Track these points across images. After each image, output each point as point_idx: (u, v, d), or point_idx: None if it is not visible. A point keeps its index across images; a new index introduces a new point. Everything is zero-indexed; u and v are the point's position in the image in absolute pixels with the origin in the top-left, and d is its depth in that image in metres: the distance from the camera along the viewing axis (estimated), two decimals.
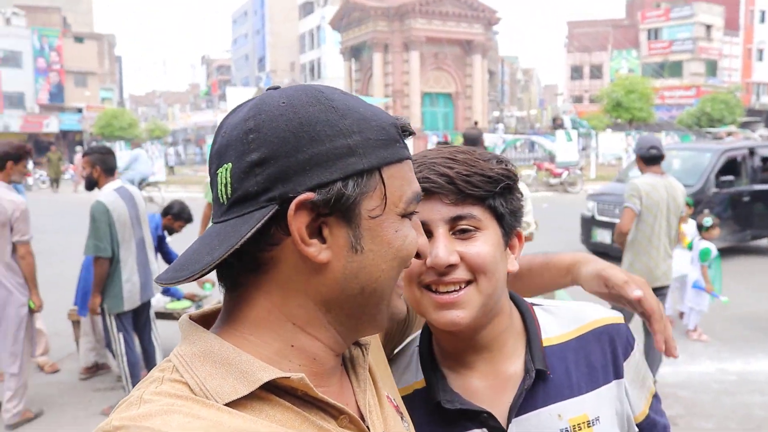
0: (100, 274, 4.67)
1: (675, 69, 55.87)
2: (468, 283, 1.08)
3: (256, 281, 0.82)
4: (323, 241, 0.80)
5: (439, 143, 5.76)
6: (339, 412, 0.83)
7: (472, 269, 1.08)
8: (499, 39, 68.00)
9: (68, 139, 48.49)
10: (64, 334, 6.72)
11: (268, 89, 0.86)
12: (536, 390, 1.13)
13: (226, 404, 0.75)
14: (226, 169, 0.80)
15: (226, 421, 0.73)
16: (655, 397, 1.25)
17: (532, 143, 29.84)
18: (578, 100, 62.59)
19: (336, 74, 54.65)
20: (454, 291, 1.08)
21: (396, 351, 1.29)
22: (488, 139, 24.34)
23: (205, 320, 0.89)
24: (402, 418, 1.01)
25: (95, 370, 5.99)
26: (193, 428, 0.70)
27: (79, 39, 54.20)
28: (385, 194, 0.83)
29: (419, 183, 1.02)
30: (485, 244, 1.09)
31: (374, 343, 1.09)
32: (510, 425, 1.12)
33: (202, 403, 0.74)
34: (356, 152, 0.79)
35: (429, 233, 1.08)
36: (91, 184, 4.88)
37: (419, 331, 1.29)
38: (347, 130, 0.80)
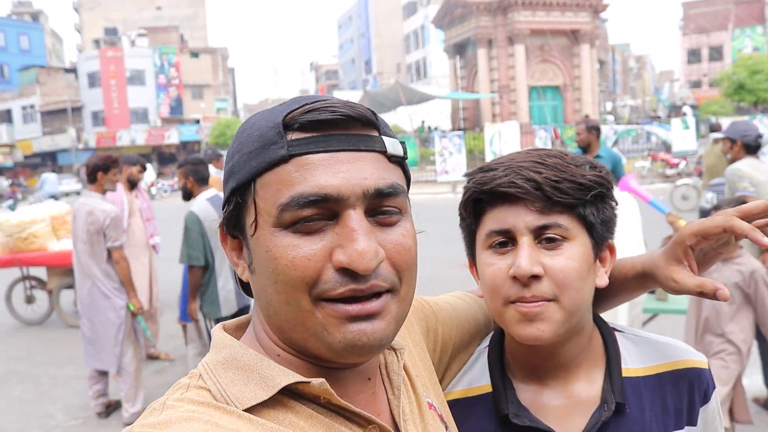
0: (194, 282, 4.85)
1: None
2: (549, 300, 1.02)
3: None
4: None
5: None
6: (367, 422, 0.80)
7: (556, 284, 1.02)
8: (608, 27, 65.65)
9: (188, 149, 51.03)
10: (176, 336, 7.06)
11: None
12: (608, 422, 1.08)
13: (249, 409, 0.74)
14: None
15: (244, 430, 0.72)
16: None
17: (647, 133, 28.53)
18: (696, 85, 59.29)
19: (441, 73, 54.55)
20: (537, 302, 1.02)
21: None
22: None
23: (240, 329, 0.91)
24: (447, 428, 0.97)
25: None
26: None
27: (194, 54, 56.97)
28: (255, 208, 0.77)
29: (505, 187, 1.01)
30: (571, 258, 1.03)
31: (415, 347, 1.06)
32: None
33: (222, 409, 0.74)
34: (233, 171, 0.80)
35: (513, 241, 1.04)
36: (187, 195, 5.12)
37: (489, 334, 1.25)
38: (232, 153, 0.81)
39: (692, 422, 1.12)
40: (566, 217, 1.04)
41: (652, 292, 5.83)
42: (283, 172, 0.74)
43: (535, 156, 1.05)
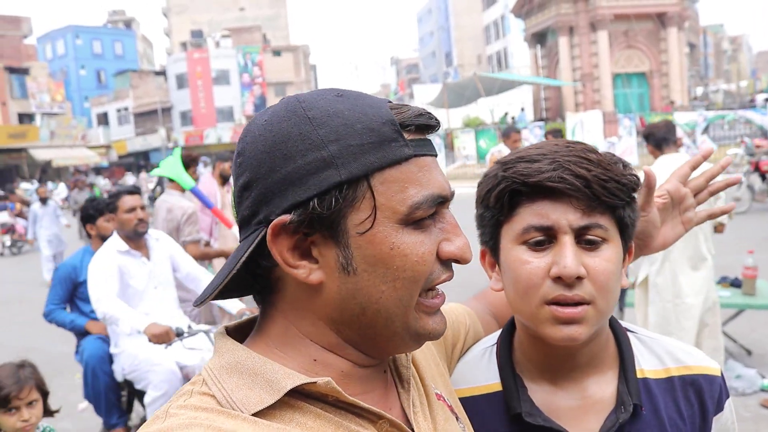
0: None
1: None
2: (588, 303, 1.00)
3: (273, 300, 0.83)
4: (315, 261, 0.77)
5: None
6: (377, 417, 0.80)
7: (596, 286, 0.99)
8: (698, 7, 62.88)
9: None
10: None
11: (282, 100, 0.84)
12: (624, 424, 1.05)
13: (254, 414, 0.73)
14: (231, 192, 0.82)
15: None
16: None
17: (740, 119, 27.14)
18: None
19: (522, 63, 53.65)
20: (576, 305, 1.00)
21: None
22: (686, 117, 22.59)
23: (242, 332, 0.89)
24: (457, 419, 0.96)
25: None
26: None
27: (277, 53, 58.14)
28: (374, 204, 0.75)
29: (554, 182, 0.98)
30: (609, 260, 1.01)
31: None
32: None
33: (227, 414, 0.73)
34: (333, 163, 0.74)
35: (552, 238, 1.01)
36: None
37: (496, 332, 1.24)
38: (321, 141, 0.74)
39: (705, 430, 1.09)
40: (606, 218, 1.01)
41: (738, 286, 5.49)
42: (407, 171, 0.76)
43: (577, 150, 1.01)
